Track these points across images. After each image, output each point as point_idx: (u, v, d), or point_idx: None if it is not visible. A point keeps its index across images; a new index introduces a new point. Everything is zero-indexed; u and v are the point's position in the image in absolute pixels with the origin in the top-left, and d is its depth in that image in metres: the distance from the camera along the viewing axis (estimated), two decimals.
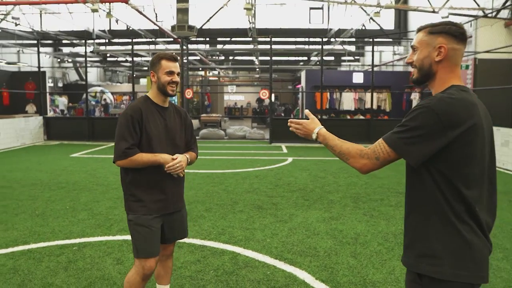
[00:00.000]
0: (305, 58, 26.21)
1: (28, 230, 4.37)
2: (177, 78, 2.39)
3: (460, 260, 1.41)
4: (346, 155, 1.56)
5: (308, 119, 1.76)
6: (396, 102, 15.65)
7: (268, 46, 14.01)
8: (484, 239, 1.46)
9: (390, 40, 19.52)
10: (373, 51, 13.57)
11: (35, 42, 16.01)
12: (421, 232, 1.48)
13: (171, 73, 2.37)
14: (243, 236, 4.22)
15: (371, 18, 15.39)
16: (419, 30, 1.58)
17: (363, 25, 17.40)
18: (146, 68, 26.91)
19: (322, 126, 1.71)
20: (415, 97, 14.80)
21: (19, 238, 4.12)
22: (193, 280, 3.20)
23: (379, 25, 18.07)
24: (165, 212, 2.42)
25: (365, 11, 16.58)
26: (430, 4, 12.86)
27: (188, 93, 14.06)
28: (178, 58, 2.47)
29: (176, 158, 2.33)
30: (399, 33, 19.33)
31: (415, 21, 18.64)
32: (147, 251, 2.33)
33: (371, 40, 13.29)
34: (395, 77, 16.80)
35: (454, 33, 1.49)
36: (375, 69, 18.66)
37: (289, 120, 1.80)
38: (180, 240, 4.04)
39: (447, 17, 12.73)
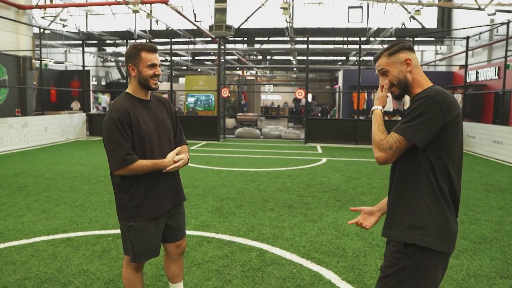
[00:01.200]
0: (343, 57, 25.83)
1: (68, 220, 4.60)
2: (159, 71, 2.24)
3: (443, 234, 1.68)
4: (372, 142, 1.76)
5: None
6: None
7: (305, 46, 13.94)
8: (455, 218, 1.75)
9: (432, 39, 18.86)
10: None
11: (80, 42, 16.76)
12: (415, 207, 1.71)
13: (153, 66, 2.21)
14: (272, 234, 4.24)
15: (412, 16, 14.96)
16: (376, 58, 1.86)
17: (404, 24, 16.92)
18: (185, 68, 27.48)
19: (381, 107, 1.86)
20: (457, 98, 14.23)
21: (59, 227, 4.35)
22: (220, 274, 3.25)
23: (420, 23, 17.53)
24: (165, 210, 2.34)
25: (405, 9, 16.13)
26: (476, 1, 12.31)
27: (225, 92, 14.23)
28: (157, 47, 2.31)
29: (177, 161, 2.25)
30: (442, 32, 18.66)
31: (460, 18, 17.91)
32: (144, 256, 2.29)
33: (411, 39, 12.90)
34: (437, 77, 16.23)
35: (407, 47, 1.83)
36: None
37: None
38: (210, 235, 4.16)
39: (494, 13, 12.16)
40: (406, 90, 1.82)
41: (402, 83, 1.80)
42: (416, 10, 13.03)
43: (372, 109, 1.87)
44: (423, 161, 1.69)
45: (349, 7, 18.56)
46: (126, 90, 2.30)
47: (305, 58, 14.06)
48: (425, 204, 1.69)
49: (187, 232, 4.01)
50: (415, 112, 1.66)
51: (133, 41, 19.20)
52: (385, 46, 1.89)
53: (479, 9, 12.25)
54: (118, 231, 4.23)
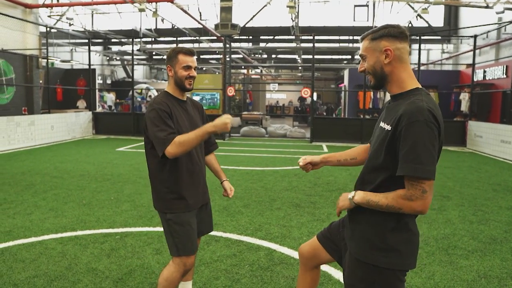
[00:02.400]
0: (349, 56, 25.73)
1: (75, 218, 4.61)
2: (194, 73, 2.35)
3: (408, 251, 1.62)
4: (396, 207, 1.55)
5: None
6: (443, 103, 15.00)
7: (311, 44, 13.89)
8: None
9: (439, 37, 18.75)
10: (419, 49, 13.08)
11: (86, 41, 16.81)
12: (379, 229, 1.63)
13: (188, 67, 2.32)
14: (280, 233, 4.22)
15: (418, 15, 14.87)
16: (362, 38, 1.67)
17: (410, 22, 16.83)
18: None
19: (354, 192, 1.71)
20: (464, 97, 14.14)
21: (67, 225, 4.36)
22: (228, 273, 3.25)
23: (427, 22, 17.41)
24: (201, 205, 2.42)
25: (412, 7, 16.03)
26: None
27: (230, 91, 14.22)
28: (195, 52, 2.41)
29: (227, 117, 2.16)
30: (448, 30, 18.53)
31: (467, 17, 17.78)
32: (189, 249, 2.29)
33: (418, 37, 12.82)
34: (444, 76, 16.15)
35: (394, 34, 1.59)
36: (422, 68, 18.02)
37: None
38: (217, 234, 4.15)
39: (503, 12, 12.05)
40: (382, 83, 1.65)
41: (378, 75, 1.63)
42: (423, 9, 12.95)
43: (350, 201, 1.70)
44: (396, 182, 1.57)
45: (355, 6, 18.46)
46: (165, 89, 2.41)
47: (310, 56, 14.02)
48: (389, 224, 1.62)
49: None
50: (420, 145, 1.47)
51: (139, 39, 19.25)
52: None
53: (487, 7, 12.15)
54: (126, 229, 4.24)
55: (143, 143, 2.43)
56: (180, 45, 19.14)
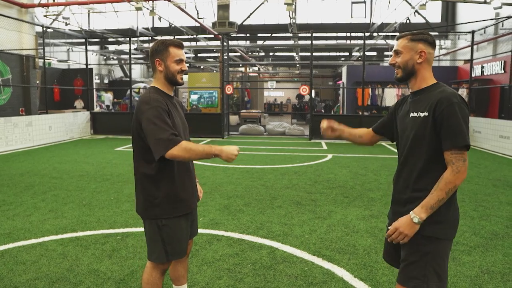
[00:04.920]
0: (347, 53, 25.72)
1: (76, 219, 4.58)
2: (186, 67, 2.24)
3: (455, 222, 1.86)
4: (452, 187, 1.76)
5: None
6: None
7: (308, 42, 13.85)
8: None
9: (436, 33, 18.73)
10: None
11: (83, 40, 16.73)
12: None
13: (180, 61, 2.20)
14: (281, 231, 4.21)
15: (416, 11, 14.85)
16: (399, 37, 1.94)
17: (408, 19, 16.81)
18: (187, 65, 27.36)
19: (412, 211, 1.81)
20: (462, 92, 14.14)
21: (67, 226, 4.33)
22: (231, 273, 3.23)
23: (424, 18, 17.40)
24: (194, 207, 2.33)
25: (410, 3, 16.01)
26: None
27: (228, 89, 14.19)
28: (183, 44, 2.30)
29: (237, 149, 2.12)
30: (446, 26, 18.52)
31: (464, 13, 17.78)
32: (178, 254, 2.23)
33: None
34: (441, 72, 16.14)
35: (430, 40, 1.90)
36: None
37: (389, 237, 1.89)
38: (219, 233, 4.13)
39: (500, 7, 12.04)
40: (408, 77, 1.92)
41: (408, 70, 1.90)
42: (421, 5, 12.93)
43: (417, 219, 1.79)
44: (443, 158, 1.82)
45: (352, 2, 18.45)
46: (153, 85, 2.25)
47: (308, 54, 13.99)
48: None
49: None
50: (458, 119, 1.75)
51: (136, 38, 19.17)
52: (389, 42, 2.01)
53: (484, 2, 12.14)
54: (127, 230, 4.22)
55: None
56: None
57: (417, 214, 1.77)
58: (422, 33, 1.90)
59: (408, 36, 1.91)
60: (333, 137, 2.35)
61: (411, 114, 1.90)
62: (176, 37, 17.02)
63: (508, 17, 11.69)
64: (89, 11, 18.06)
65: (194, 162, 2.43)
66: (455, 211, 1.86)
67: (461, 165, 1.75)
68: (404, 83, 2.11)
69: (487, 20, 12.90)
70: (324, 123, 2.31)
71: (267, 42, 21.81)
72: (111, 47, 24.27)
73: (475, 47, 13.72)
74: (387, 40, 18.78)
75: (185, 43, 21.45)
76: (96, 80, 21.95)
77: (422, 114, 1.84)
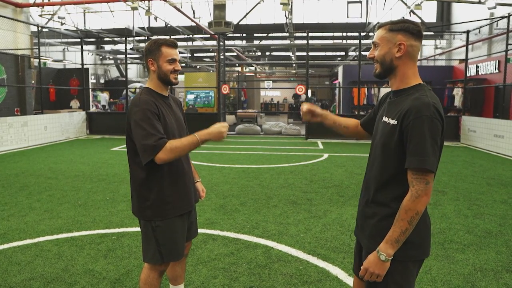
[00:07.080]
0: (343, 53, 25.76)
1: (71, 219, 4.58)
2: (179, 66, 2.20)
3: (424, 241, 1.65)
4: (414, 214, 1.54)
5: None
6: None
7: (305, 41, 13.89)
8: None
9: (432, 33, 18.82)
10: None
11: (79, 40, 16.69)
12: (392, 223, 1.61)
13: (173, 60, 2.16)
14: (277, 231, 4.23)
15: (411, 11, 14.91)
16: (379, 27, 1.67)
17: (403, 18, 16.86)
18: (184, 65, 27.40)
19: (378, 248, 1.60)
20: (457, 92, 14.22)
21: (63, 226, 4.33)
22: (226, 272, 3.24)
23: (420, 18, 17.44)
24: (191, 208, 2.29)
25: (405, 3, 16.07)
26: None
27: (225, 89, 14.19)
28: (177, 43, 2.27)
29: (225, 125, 2.10)
30: (441, 26, 18.60)
31: (459, 13, 17.87)
32: (174, 255, 2.19)
33: None
34: (437, 72, 16.22)
35: (412, 30, 1.60)
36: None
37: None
38: (215, 233, 4.14)
39: (494, 7, 12.11)
40: (387, 74, 1.67)
41: (386, 65, 1.65)
42: (416, 5, 12.98)
43: (384, 256, 1.59)
44: (405, 177, 1.60)
45: (348, 2, 18.50)
46: (147, 86, 2.22)
47: (304, 53, 14.02)
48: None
49: None
50: (424, 137, 1.51)
51: (132, 38, 19.14)
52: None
53: (479, 3, 12.21)
54: (122, 229, 4.22)
55: None
56: None
57: (383, 251, 1.57)
58: (403, 22, 1.62)
59: (387, 26, 1.64)
60: (313, 122, 2.14)
61: (383, 119, 1.69)
62: (172, 36, 17.00)
63: (503, 17, 11.75)
64: (84, 10, 18.03)
65: (194, 162, 2.43)
66: (423, 230, 1.64)
67: (422, 188, 1.52)
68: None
69: (482, 20, 12.98)
70: (304, 106, 2.09)
71: (264, 42, 21.83)
72: (107, 47, 24.21)
73: (470, 46, 13.79)
74: None
75: (181, 43, 21.45)
76: (92, 80, 21.89)
77: (391, 122, 1.61)
